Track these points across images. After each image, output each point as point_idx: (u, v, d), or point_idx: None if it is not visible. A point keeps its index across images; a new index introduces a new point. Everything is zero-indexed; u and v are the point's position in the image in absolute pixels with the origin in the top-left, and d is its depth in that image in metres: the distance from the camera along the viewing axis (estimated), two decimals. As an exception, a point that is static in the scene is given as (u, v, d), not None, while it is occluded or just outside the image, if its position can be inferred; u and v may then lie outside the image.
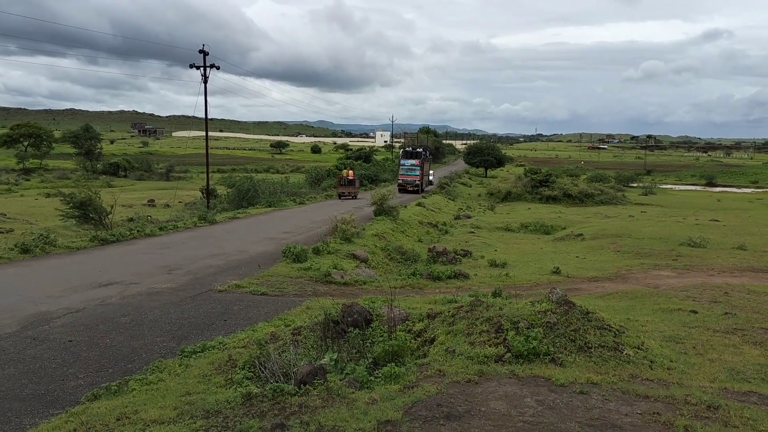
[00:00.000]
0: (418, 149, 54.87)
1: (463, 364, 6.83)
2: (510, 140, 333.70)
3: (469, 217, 38.83)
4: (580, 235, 26.85)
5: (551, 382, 6.33)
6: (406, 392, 6.17)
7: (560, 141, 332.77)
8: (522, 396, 6.00)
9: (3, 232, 26.70)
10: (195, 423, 5.58)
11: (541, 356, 6.92)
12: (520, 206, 50.19)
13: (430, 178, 60.92)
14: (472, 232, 30.95)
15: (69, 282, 13.21)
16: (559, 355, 6.96)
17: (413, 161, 51.33)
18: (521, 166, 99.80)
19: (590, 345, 7.16)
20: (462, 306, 8.52)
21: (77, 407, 6.52)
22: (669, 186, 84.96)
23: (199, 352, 8.36)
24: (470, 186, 70.05)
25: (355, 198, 41.64)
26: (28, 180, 61.58)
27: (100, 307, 11.14)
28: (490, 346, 7.19)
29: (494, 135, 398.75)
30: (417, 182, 50.11)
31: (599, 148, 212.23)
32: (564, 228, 31.99)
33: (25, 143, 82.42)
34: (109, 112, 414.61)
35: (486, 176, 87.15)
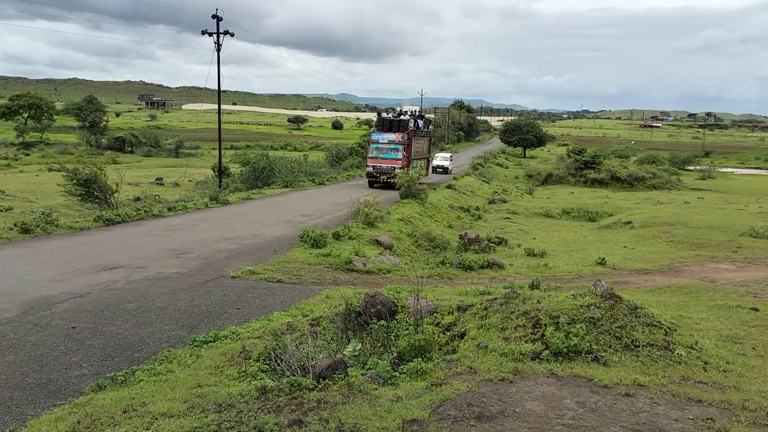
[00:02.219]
0: (402, 116, 38.50)
1: (496, 361, 6.86)
2: (552, 117, 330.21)
3: (504, 201, 38.66)
4: (629, 222, 26.57)
5: (593, 383, 6.33)
6: (433, 390, 6.22)
7: (608, 118, 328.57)
8: (561, 397, 6.01)
9: (2, 211, 27.31)
10: (206, 417, 5.69)
11: (582, 354, 6.91)
12: (562, 190, 49.76)
13: (446, 164, 51.33)
14: (508, 218, 30.83)
15: (72, 265, 13.49)
16: (603, 354, 6.94)
17: (391, 137, 35.84)
18: (564, 145, 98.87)
19: (638, 343, 7.12)
20: (496, 298, 8.53)
21: (81, 398, 6.70)
22: (730, 169, 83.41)
23: (211, 341, 8.53)
24: (507, 167, 69.61)
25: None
26: (27, 155, 62.72)
27: (105, 292, 11.37)
28: (526, 342, 7.19)
29: (534, 111, 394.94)
30: (398, 171, 33.84)
31: (652, 127, 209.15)
32: (611, 214, 31.70)
33: (25, 115, 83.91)
34: (115, 82, 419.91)
35: (524, 156, 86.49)
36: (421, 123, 40.40)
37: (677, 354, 7.07)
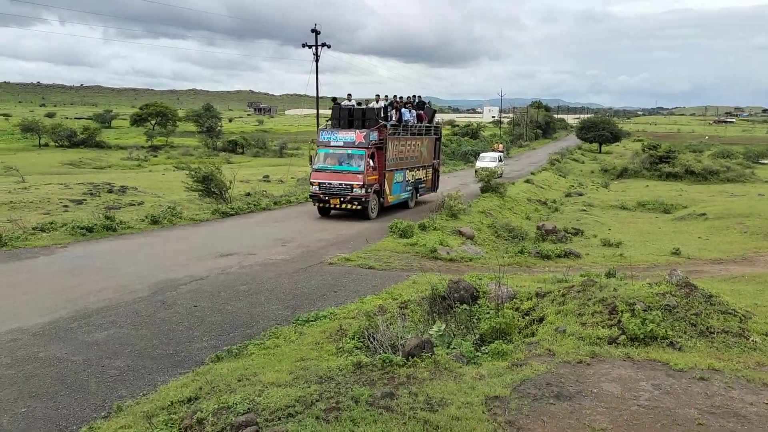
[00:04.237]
0: (371, 104, 22.60)
1: (574, 345, 6.68)
2: (627, 114, 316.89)
3: (581, 195, 37.49)
4: (703, 214, 25.23)
5: (669, 367, 6.07)
6: (514, 370, 6.14)
7: (683, 114, 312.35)
8: (637, 379, 5.80)
9: (135, 205, 28.90)
10: (309, 387, 5.84)
11: (658, 340, 6.63)
12: (637, 183, 47.69)
13: (493, 166, 36.19)
14: (584, 210, 29.88)
15: (193, 252, 14.14)
16: (678, 340, 6.64)
17: (348, 137, 20.52)
18: (639, 141, 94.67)
19: (712, 330, 6.77)
20: (573, 286, 8.31)
21: (202, 367, 7.02)
22: (807, 162, 77.57)
23: (312, 320, 8.74)
24: (582, 162, 67.40)
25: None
26: (155, 156, 66.01)
27: (222, 276, 11.85)
28: (603, 327, 6.97)
29: (610, 108, 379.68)
30: (358, 191, 19.90)
31: (726, 122, 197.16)
32: (685, 207, 30.18)
33: (153, 122, 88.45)
34: (227, 92, 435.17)
35: (600, 152, 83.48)
36: (409, 115, 23.11)
37: (752, 341, 6.68)
